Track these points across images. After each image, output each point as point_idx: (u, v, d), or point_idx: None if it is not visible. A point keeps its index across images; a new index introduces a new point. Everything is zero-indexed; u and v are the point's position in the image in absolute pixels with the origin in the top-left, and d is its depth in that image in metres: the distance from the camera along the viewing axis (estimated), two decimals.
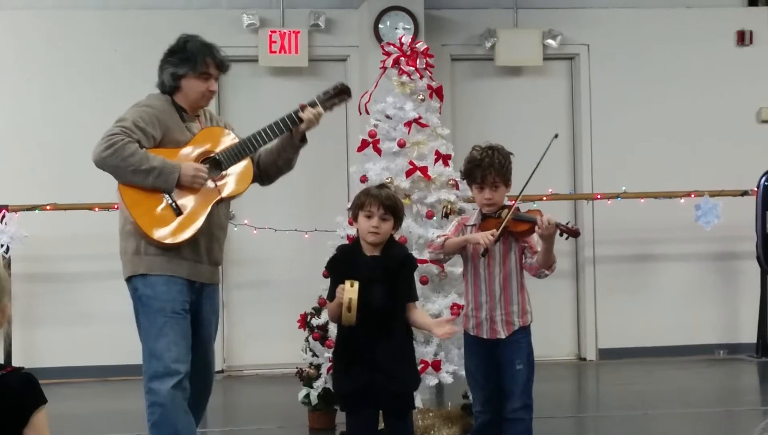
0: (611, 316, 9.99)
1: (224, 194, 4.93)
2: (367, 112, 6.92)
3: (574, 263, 10.09)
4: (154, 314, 4.84)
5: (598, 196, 9.68)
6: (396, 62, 6.80)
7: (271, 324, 9.33)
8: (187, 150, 4.95)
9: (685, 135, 10.08)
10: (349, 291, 4.49)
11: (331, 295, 4.71)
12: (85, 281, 9.37)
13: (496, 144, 5.04)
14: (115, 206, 8.40)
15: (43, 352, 9.33)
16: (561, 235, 4.85)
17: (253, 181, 5.24)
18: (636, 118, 10.08)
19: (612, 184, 9.69)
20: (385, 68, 6.88)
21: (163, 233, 4.83)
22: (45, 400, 2.87)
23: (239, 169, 4.98)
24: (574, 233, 4.85)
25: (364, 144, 6.79)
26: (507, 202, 5.03)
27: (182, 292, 4.89)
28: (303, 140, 5.11)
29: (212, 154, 4.94)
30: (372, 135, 6.76)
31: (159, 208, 4.84)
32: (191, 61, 4.97)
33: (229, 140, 5.01)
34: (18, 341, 8.95)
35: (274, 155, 5.16)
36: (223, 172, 4.94)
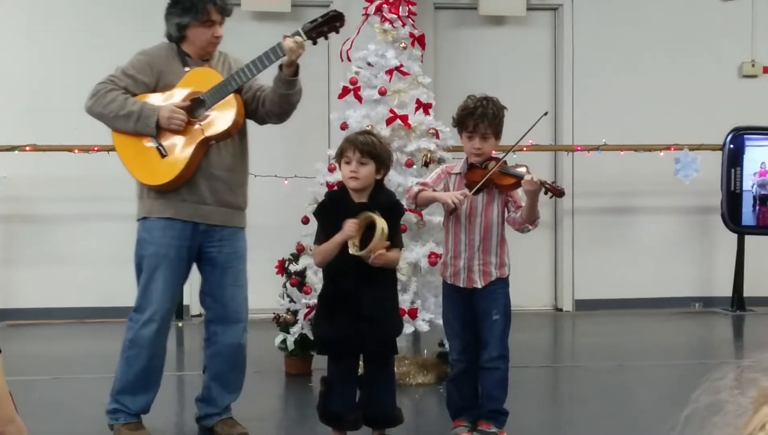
0: (588, 267, 10.04)
1: (207, 133, 4.93)
2: (349, 59, 6.90)
3: (552, 214, 10.10)
4: (148, 258, 4.99)
5: (579, 148, 9.67)
6: (378, 9, 6.78)
7: (249, 269, 9.26)
8: (175, 92, 5.01)
9: (667, 88, 10.05)
10: (382, 220, 4.53)
11: (320, 239, 4.74)
12: (63, 223, 9.33)
13: (492, 95, 5.06)
14: (95, 148, 8.48)
15: (21, 293, 9.33)
16: (546, 193, 4.88)
17: (262, 121, 5.26)
18: (618, 70, 10.05)
19: (592, 136, 9.67)
20: (367, 15, 6.86)
21: (146, 174, 4.97)
22: None
23: (223, 107, 4.96)
24: (558, 193, 4.90)
25: (345, 91, 6.77)
26: (494, 155, 5.06)
27: (179, 237, 4.99)
28: (295, 73, 5.02)
29: (198, 95, 4.96)
30: (353, 82, 6.74)
31: (146, 152, 4.97)
32: (193, 10, 5.03)
33: (218, 80, 4.99)
34: None
35: (273, 93, 5.11)
36: (207, 112, 4.95)
